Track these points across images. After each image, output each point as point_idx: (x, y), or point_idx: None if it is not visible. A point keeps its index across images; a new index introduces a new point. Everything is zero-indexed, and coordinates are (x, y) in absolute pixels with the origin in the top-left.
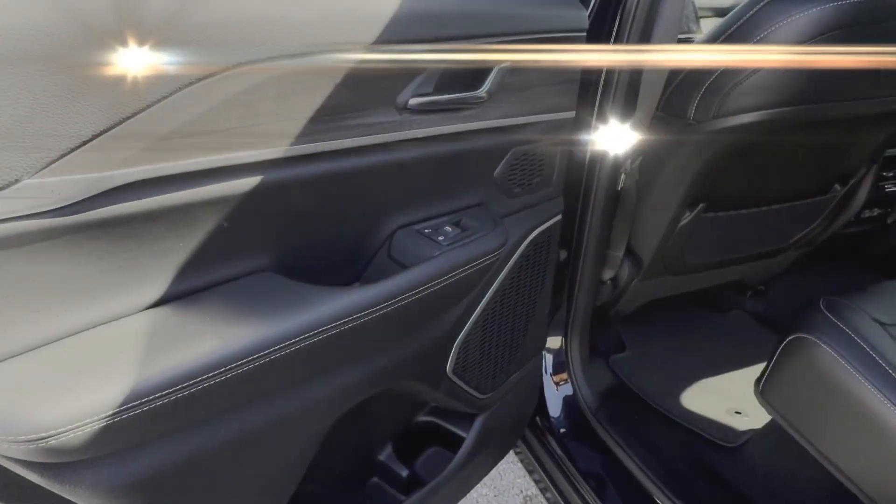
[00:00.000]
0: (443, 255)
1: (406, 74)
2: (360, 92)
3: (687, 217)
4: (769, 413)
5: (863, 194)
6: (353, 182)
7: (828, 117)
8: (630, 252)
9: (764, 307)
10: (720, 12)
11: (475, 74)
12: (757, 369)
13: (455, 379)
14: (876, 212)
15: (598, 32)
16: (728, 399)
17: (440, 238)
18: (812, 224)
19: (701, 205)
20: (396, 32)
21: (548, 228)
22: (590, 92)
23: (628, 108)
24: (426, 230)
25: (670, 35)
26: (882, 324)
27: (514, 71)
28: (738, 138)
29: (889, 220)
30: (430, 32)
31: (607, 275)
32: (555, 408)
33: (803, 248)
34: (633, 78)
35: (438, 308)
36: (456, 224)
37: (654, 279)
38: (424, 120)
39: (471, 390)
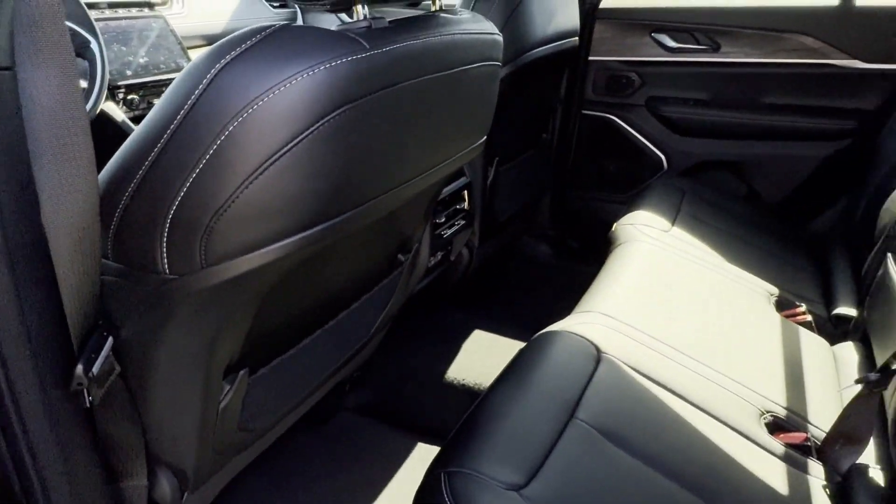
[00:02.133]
0: None
1: None
2: None
3: (229, 391)
4: None
5: (426, 250)
6: None
7: (376, 214)
8: (161, 465)
9: (367, 396)
10: (213, 40)
11: None
12: (390, 490)
13: None
14: (440, 255)
15: None
16: None
17: None
18: (389, 303)
19: (242, 371)
20: None
21: None
22: None
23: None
24: None
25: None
26: (518, 488)
27: None
28: (265, 279)
29: (452, 258)
30: None
31: None
32: None
33: (387, 325)
34: None
35: None
36: None
37: (214, 476)
38: None
39: None
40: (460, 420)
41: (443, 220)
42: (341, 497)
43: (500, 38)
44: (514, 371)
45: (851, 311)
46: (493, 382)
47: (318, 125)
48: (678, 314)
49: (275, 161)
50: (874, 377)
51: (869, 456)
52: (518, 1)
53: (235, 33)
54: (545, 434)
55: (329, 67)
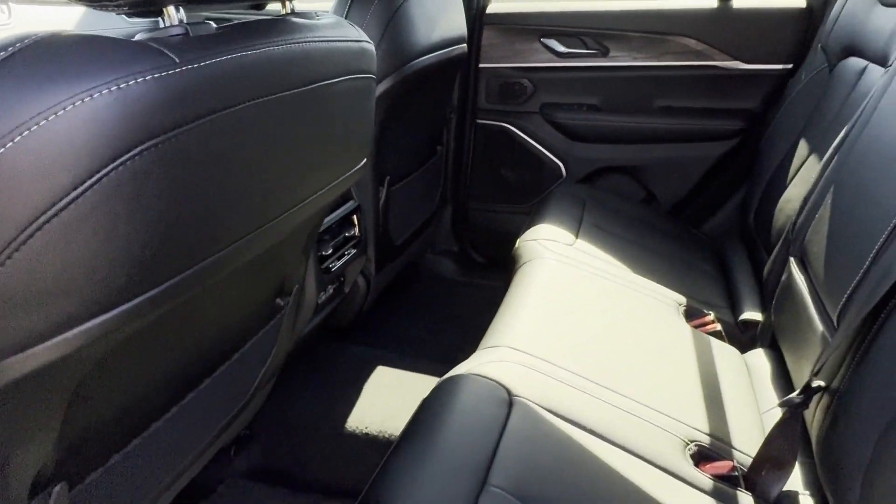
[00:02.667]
0: None
1: None
2: None
3: None
4: None
5: (312, 288)
6: None
7: (229, 266)
8: None
9: (257, 458)
10: None
11: None
12: None
13: None
14: (331, 290)
15: None
16: None
17: None
18: (271, 352)
19: (57, 486)
20: None
21: None
22: None
23: None
24: None
25: None
26: None
27: None
28: (67, 374)
29: (346, 290)
30: None
31: None
32: None
33: (273, 377)
34: None
35: None
36: None
37: None
38: None
39: None
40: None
41: (330, 251)
42: None
43: (369, 46)
44: (417, 430)
45: (757, 316)
46: (396, 443)
47: (105, 172)
48: (590, 340)
49: (43, 225)
50: (798, 400)
51: (796, 481)
52: (398, 6)
53: None
54: None
55: (117, 90)
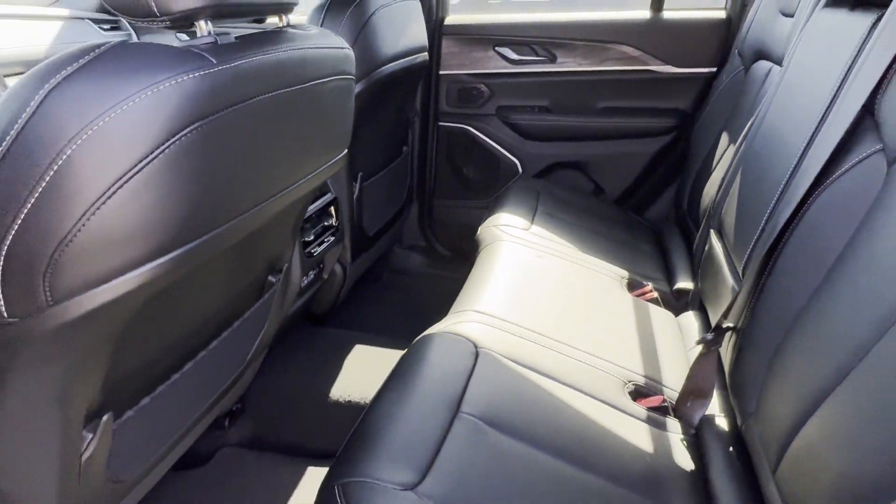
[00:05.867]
0: None
1: None
2: None
3: (91, 440)
4: None
5: (297, 269)
6: None
7: (238, 235)
8: None
9: (249, 428)
10: (33, 65)
11: None
12: None
13: None
14: (312, 275)
15: None
16: None
17: None
18: (263, 327)
19: (105, 415)
20: None
21: None
22: None
23: None
24: None
25: None
26: (412, 487)
27: None
28: (120, 314)
29: (324, 276)
30: None
31: None
32: None
33: (264, 351)
34: None
35: None
36: None
37: None
38: None
39: None
40: (349, 432)
41: (312, 237)
42: None
43: (350, 52)
44: (397, 376)
45: (688, 285)
46: (378, 391)
47: (166, 145)
48: (545, 304)
49: (122, 185)
50: (710, 337)
51: (714, 407)
52: (366, 19)
53: (62, 53)
54: (433, 431)
55: (174, 84)
